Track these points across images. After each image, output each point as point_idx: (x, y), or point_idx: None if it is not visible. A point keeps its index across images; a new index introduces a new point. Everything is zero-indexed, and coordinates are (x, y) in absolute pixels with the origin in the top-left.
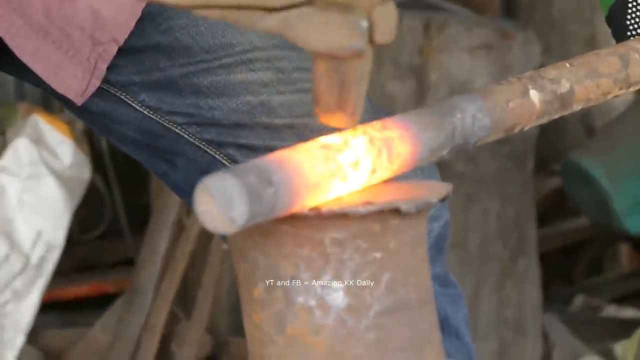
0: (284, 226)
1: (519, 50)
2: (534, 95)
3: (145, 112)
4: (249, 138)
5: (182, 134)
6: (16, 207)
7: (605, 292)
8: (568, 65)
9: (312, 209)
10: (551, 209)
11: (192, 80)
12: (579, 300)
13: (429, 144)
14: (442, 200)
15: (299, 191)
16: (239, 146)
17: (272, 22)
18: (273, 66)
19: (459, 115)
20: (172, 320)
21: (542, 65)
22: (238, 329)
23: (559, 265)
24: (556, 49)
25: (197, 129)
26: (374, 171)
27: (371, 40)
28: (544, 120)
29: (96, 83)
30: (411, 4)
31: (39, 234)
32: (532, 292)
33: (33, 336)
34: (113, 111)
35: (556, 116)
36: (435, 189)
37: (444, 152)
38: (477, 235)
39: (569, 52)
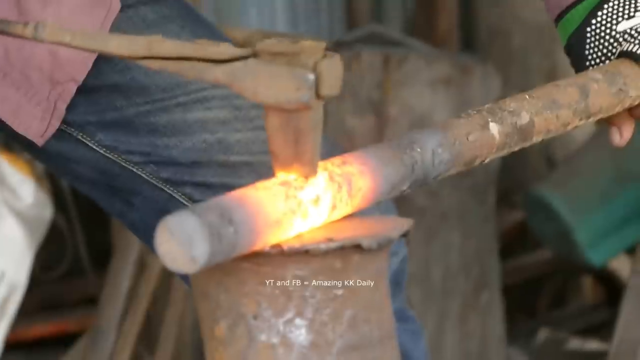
0: (245, 264)
1: (478, 84)
2: (494, 127)
3: (102, 152)
4: (206, 176)
5: (139, 172)
6: None
7: (569, 325)
8: (527, 97)
9: (273, 247)
10: (513, 242)
11: (148, 119)
12: (542, 334)
13: (389, 179)
14: (403, 235)
15: (260, 229)
16: (196, 184)
17: (218, 74)
18: (230, 104)
19: (418, 150)
20: (136, 359)
21: (502, 99)
22: None
23: (521, 298)
24: (516, 81)
25: (154, 167)
26: (334, 207)
27: (317, 93)
28: (504, 153)
29: (56, 123)
30: (370, 39)
31: (1, 275)
32: (496, 325)
33: None
34: (69, 151)
35: (516, 148)
36: (397, 224)
37: (405, 187)
38: (439, 269)
39: (529, 84)
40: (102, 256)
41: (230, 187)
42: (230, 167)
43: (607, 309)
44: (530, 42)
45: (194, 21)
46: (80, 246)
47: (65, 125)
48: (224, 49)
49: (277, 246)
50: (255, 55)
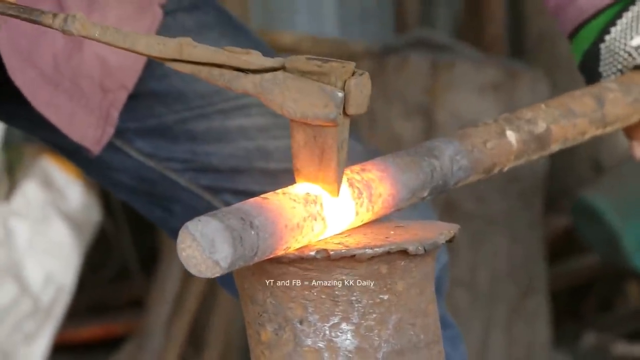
0: (292, 268)
1: (526, 89)
2: (511, 135)
3: (141, 159)
4: (247, 183)
5: (178, 180)
6: (26, 249)
7: (616, 330)
8: (544, 106)
9: (319, 251)
10: (560, 247)
11: (187, 126)
12: (589, 338)
13: (408, 185)
14: (449, 241)
15: (281, 233)
16: (236, 192)
17: (247, 83)
18: (269, 111)
19: (437, 157)
20: None
21: None
22: None
23: (568, 303)
24: (563, 86)
25: (193, 174)
26: (355, 213)
27: (344, 111)
28: (523, 161)
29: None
30: (419, 44)
31: (49, 277)
32: (542, 330)
33: None
34: (109, 158)
35: (535, 156)
36: (442, 229)
37: (425, 194)
38: (486, 274)
39: (576, 89)
40: (150, 259)
41: None
42: (270, 175)
43: None
44: None
45: (234, 29)
46: (128, 249)
47: None
48: (255, 59)
49: (323, 251)
50: (284, 69)
